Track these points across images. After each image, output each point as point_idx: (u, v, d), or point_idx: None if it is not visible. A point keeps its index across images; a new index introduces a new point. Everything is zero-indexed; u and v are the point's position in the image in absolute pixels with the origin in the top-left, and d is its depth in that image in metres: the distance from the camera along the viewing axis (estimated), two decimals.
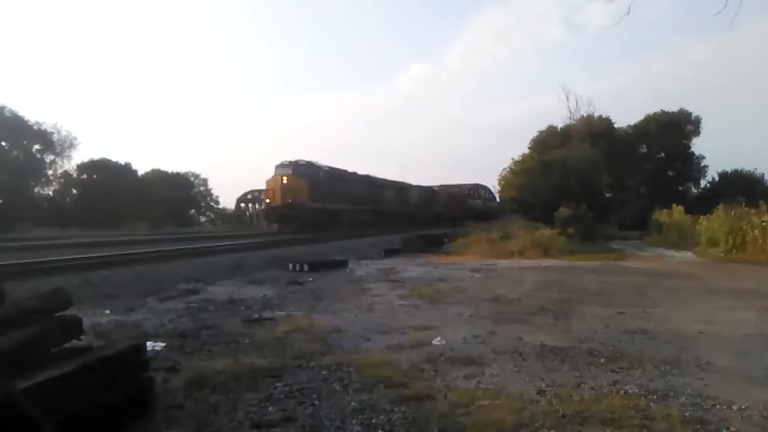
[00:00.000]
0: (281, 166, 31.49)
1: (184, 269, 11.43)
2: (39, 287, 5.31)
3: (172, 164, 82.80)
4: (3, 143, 41.25)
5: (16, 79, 79.29)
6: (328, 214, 32.07)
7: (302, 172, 30.88)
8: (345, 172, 36.25)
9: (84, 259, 11.87)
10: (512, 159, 40.16)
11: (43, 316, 3.34)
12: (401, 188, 45.77)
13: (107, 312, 6.91)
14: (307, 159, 32.34)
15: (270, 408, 3.62)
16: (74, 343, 3.62)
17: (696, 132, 52.17)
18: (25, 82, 78.76)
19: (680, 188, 51.54)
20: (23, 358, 2.89)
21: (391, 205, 42.40)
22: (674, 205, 29.02)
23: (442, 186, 60.67)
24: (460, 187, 63.72)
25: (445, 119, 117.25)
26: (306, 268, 12.15)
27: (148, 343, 4.35)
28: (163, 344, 5.24)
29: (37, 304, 3.38)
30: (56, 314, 3.47)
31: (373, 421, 3.40)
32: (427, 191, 51.67)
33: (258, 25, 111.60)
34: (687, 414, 3.56)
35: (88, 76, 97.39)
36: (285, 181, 30.43)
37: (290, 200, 29.60)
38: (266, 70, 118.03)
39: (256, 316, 6.91)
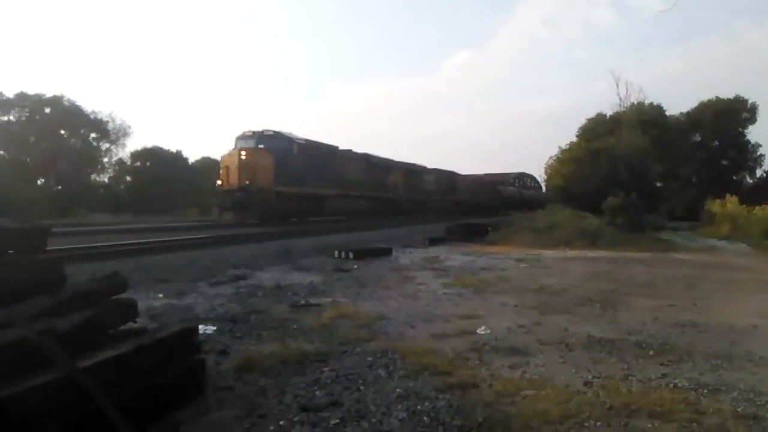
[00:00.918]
0: (242, 138, 24.98)
1: (232, 255, 11.69)
2: (96, 271, 5.51)
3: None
4: (62, 132, 42.68)
5: (73, 68, 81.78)
6: (305, 200, 26.04)
7: (268, 145, 24.24)
8: (331, 148, 29.94)
9: (137, 245, 12.24)
10: (559, 147, 39.61)
11: (101, 299, 3.48)
12: (412, 171, 40.50)
13: (160, 296, 7.11)
14: (277, 129, 25.71)
15: (317, 392, 3.69)
16: (130, 325, 3.78)
17: (752, 119, 50.56)
18: (82, 71, 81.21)
19: (734, 178, 50.05)
20: (83, 339, 3.02)
21: (399, 191, 37.62)
22: (728, 195, 28.16)
23: (474, 175, 57.41)
24: (501, 176, 62.66)
25: (492, 107, 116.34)
26: (351, 255, 12.25)
27: (200, 327, 4.48)
28: (214, 328, 5.39)
29: (96, 287, 3.53)
30: (113, 297, 3.61)
31: (418, 407, 3.43)
32: (447, 176, 47.29)
33: (305, 16, 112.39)
34: (739, 409, 3.47)
35: (142, 65, 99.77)
36: (243, 157, 23.51)
37: (248, 181, 23.03)
38: (313, 59, 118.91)
39: (303, 302, 7.02)
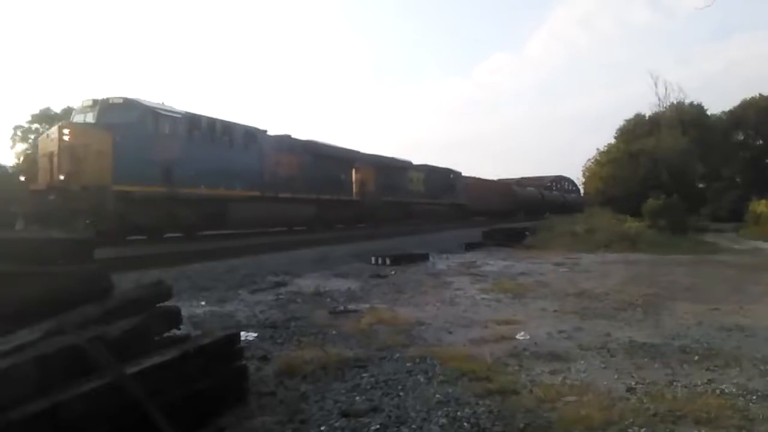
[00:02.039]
0: (80, 111, 16.58)
1: (272, 262, 11.85)
2: (140, 279, 5.65)
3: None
4: None
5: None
6: (186, 205, 17.36)
7: (110, 119, 15.51)
8: (247, 130, 20.69)
9: (179, 253, 12.48)
10: (597, 149, 39.04)
11: (147, 307, 3.57)
12: (388, 167, 31.36)
13: (203, 303, 7.25)
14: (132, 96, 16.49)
15: (357, 398, 3.72)
16: (174, 332, 3.86)
17: None
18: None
19: None
20: (130, 346, 3.10)
21: (368, 192, 28.60)
22: None
23: (478, 179, 49.70)
24: (537, 179, 61.71)
25: (526, 111, 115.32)
26: (388, 261, 12.29)
27: (242, 333, 4.55)
28: (255, 334, 5.47)
29: (142, 294, 3.61)
30: (158, 305, 3.70)
31: (458, 413, 3.43)
32: (441, 175, 38.66)
33: (341, 20, 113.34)
34: None
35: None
36: (67, 138, 14.85)
37: (65, 176, 14.54)
38: (345, 62, 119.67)
39: (342, 308, 7.07)
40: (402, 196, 32.37)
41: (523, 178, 59.66)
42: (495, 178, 53.55)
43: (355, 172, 28.44)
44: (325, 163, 25.03)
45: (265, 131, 21.96)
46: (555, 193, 60.55)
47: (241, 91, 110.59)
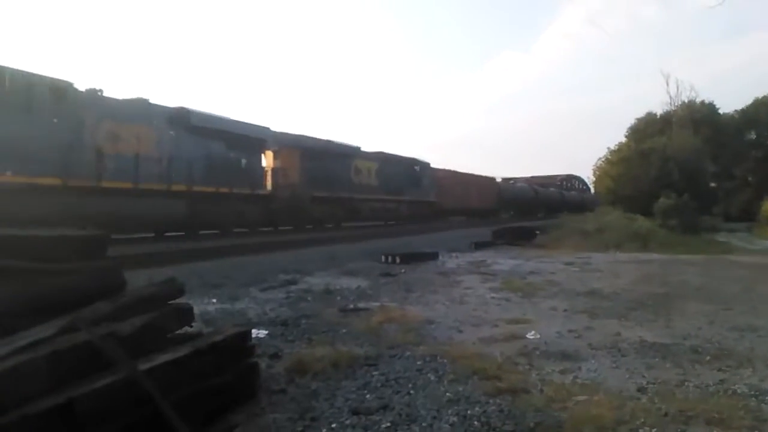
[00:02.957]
0: None
1: (282, 260, 11.89)
2: (152, 276, 5.68)
3: None
4: None
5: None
6: None
7: None
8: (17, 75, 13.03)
9: (190, 251, 12.55)
10: (608, 148, 38.83)
11: (159, 304, 3.59)
12: (323, 153, 24.16)
13: (214, 301, 7.28)
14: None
15: (367, 395, 3.73)
16: (186, 329, 3.89)
17: None
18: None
19: None
20: (142, 343, 3.12)
21: (290, 184, 22.21)
22: None
23: (507, 179, 49.24)
24: (547, 178, 61.19)
25: (536, 109, 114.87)
26: (398, 259, 12.30)
27: (253, 331, 4.57)
28: (266, 332, 5.49)
29: (154, 292, 3.64)
30: (170, 302, 3.73)
31: (468, 412, 3.43)
32: (403, 167, 31.59)
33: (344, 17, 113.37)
34: None
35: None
36: None
37: None
38: (353, 61, 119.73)
39: (352, 306, 7.08)
40: (343, 190, 25.43)
41: (532, 177, 59.38)
42: (501, 177, 51.94)
43: (270, 157, 21.85)
44: (210, 142, 18.29)
45: (97, 90, 15.25)
46: (552, 190, 58.43)
47: (247, 89, 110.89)
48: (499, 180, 48.10)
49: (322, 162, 23.96)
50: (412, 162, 33.01)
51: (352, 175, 26.69)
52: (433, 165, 35.58)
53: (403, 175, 31.40)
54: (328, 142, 25.28)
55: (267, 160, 21.68)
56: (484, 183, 43.08)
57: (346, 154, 26.57)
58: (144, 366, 2.84)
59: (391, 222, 30.56)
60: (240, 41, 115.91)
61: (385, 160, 29.96)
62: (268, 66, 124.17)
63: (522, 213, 46.02)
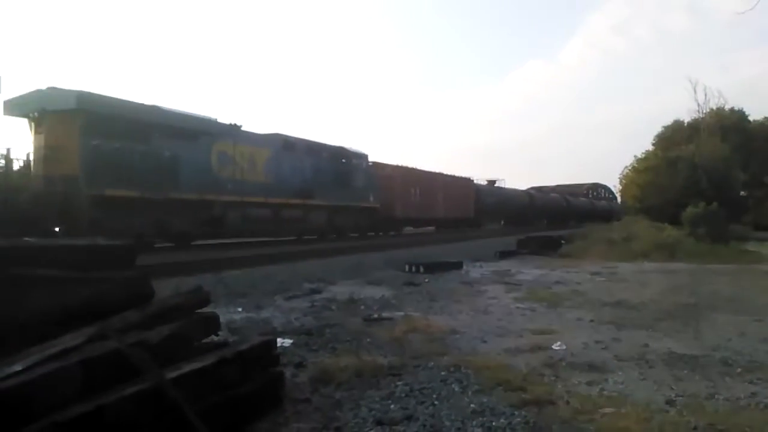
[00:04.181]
0: None
1: (306, 269, 11.95)
2: (179, 286, 5.75)
3: None
4: None
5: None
6: None
7: None
8: None
9: (215, 261, 12.66)
10: (635, 156, 38.48)
11: (186, 313, 3.64)
12: (139, 125, 15.02)
13: (239, 309, 7.35)
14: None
15: (392, 406, 3.72)
16: (212, 338, 3.93)
17: None
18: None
19: None
20: (170, 352, 3.17)
21: (61, 178, 13.36)
22: None
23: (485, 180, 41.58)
24: (574, 187, 60.55)
25: (562, 118, 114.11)
26: (422, 269, 12.27)
27: (278, 340, 4.60)
28: (291, 341, 5.51)
29: (181, 301, 3.69)
30: (197, 311, 3.77)
31: (493, 423, 3.41)
32: (317, 155, 22.54)
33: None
34: None
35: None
36: None
37: None
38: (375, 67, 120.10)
39: (376, 315, 7.08)
40: (189, 188, 16.39)
41: (558, 186, 58.98)
42: (525, 187, 49.69)
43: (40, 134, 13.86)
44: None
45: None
46: (583, 200, 57.03)
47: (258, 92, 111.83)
48: (485, 183, 41.71)
49: (131, 140, 14.84)
50: (337, 152, 23.68)
51: (213, 164, 17.50)
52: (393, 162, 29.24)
53: (322, 169, 22.32)
54: (154, 107, 16.18)
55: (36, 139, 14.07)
56: (457, 185, 34.78)
57: (200, 131, 17.16)
58: (171, 374, 2.88)
59: (294, 237, 22.15)
60: (267, 58, 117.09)
61: (284, 145, 20.58)
62: (295, 75, 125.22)
63: (554, 223, 45.06)
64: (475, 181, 38.50)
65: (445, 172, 34.46)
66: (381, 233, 27.57)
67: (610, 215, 48.26)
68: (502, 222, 43.72)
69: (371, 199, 25.63)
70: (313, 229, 22.69)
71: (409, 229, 31.07)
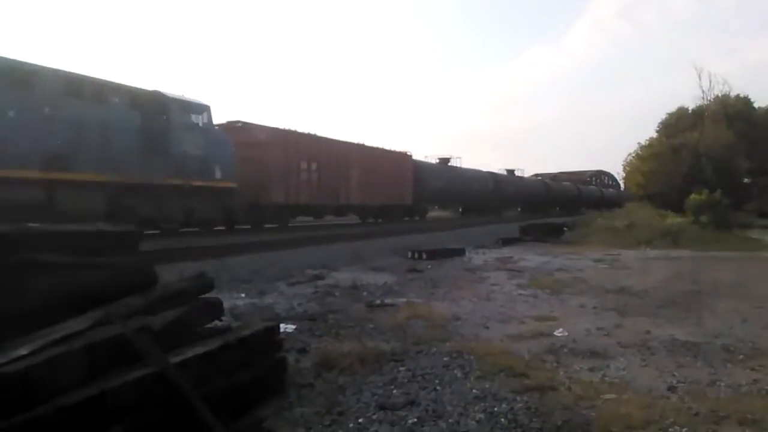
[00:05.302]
0: None
1: (310, 255, 11.97)
2: (183, 271, 5.76)
3: None
4: None
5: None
6: None
7: None
8: None
9: (220, 246, 12.69)
10: (638, 144, 38.30)
11: (190, 298, 3.65)
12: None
13: (243, 295, 7.37)
14: None
15: (394, 391, 3.75)
16: (215, 323, 3.94)
17: None
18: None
19: None
20: (173, 337, 3.18)
21: None
22: None
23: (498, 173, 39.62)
24: (578, 174, 60.35)
25: (566, 104, 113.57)
26: (424, 255, 12.28)
27: (281, 325, 4.62)
28: (294, 326, 5.54)
29: (185, 286, 3.70)
30: (200, 297, 3.78)
31: (495, 409, 3.43)
32: (134, 105, 14.23)
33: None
34: None
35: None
36: None
37: None
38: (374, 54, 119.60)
39: (378, 301, 7.10)
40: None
41: (560, 173, 58.82)
42: (529, 174, 49.82)
43: None
44: None
45: None
46: (593, 188, 57.20)
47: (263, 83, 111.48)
48: (425, 159, 32.64)
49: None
50: (141, 98, 14.81)
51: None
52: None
53: (99, 124, 13.17)
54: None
55: None
56: (384, 162, 26.26)
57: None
58: (175, 359, 2.89)
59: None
60: (278, 50, 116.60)
61: (12, 82, 11.58)
62: (305, 68, 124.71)
63: (566, 210, 45.00)
64: (420, 159, 30.82)
65: (365, 144, 25.87)
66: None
67: (617, 203, 48.21)
68: (519, 209, 44.61)
69: (217, 174, 16.62)
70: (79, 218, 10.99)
71: (304, 220, 22.77)
